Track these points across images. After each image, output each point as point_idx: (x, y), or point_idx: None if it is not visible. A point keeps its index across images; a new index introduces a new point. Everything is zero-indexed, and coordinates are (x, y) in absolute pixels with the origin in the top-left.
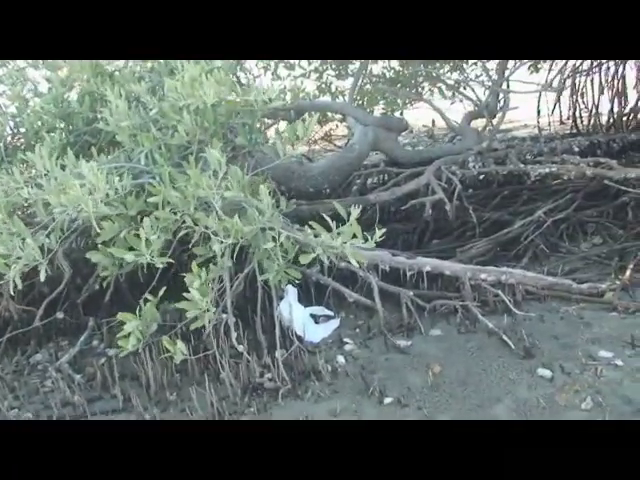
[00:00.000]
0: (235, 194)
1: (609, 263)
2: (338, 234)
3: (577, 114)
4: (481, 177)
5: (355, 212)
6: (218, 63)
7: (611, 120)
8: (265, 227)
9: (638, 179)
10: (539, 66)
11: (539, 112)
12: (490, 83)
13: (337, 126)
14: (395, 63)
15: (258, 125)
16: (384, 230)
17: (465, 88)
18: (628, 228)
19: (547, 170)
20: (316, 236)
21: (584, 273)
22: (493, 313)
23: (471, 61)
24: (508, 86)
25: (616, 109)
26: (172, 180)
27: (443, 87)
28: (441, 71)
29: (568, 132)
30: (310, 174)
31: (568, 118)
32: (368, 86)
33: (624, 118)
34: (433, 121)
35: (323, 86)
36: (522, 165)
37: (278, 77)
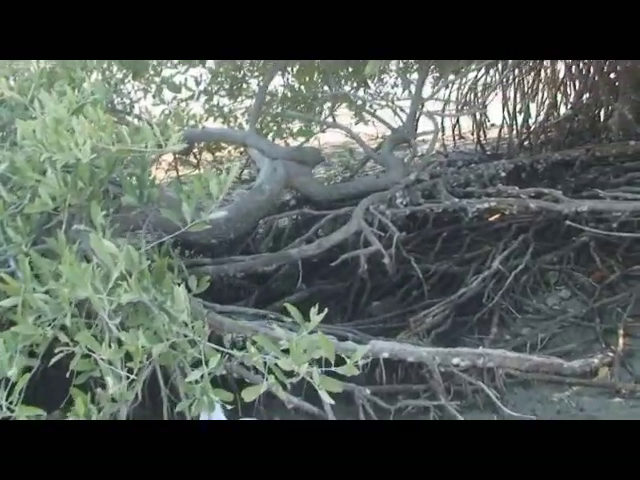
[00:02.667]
0: (135, 295)
1: (589, 325)
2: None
3: (481, 128)
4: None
5: (315, 317)
6: (92, 93)
7: (523, 136)
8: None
9: (591, 212)
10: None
11: (443, 129)
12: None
13: (230, 153)
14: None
15: (150, 176)
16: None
17: (373, 107)
18: (596, 275)
19: (486, 205)
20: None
21: (565, 341)
22: (472, 409)
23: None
24: (423, 105)
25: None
26: (35, 269)
27: (354, 108)
28: (346, 88)
29: (472, 147)
30: (213, 222)
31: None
32: (274, 109)
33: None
34: (350, 150)
35: (214, 109)
36: (457, 199)
37: (162, 101)
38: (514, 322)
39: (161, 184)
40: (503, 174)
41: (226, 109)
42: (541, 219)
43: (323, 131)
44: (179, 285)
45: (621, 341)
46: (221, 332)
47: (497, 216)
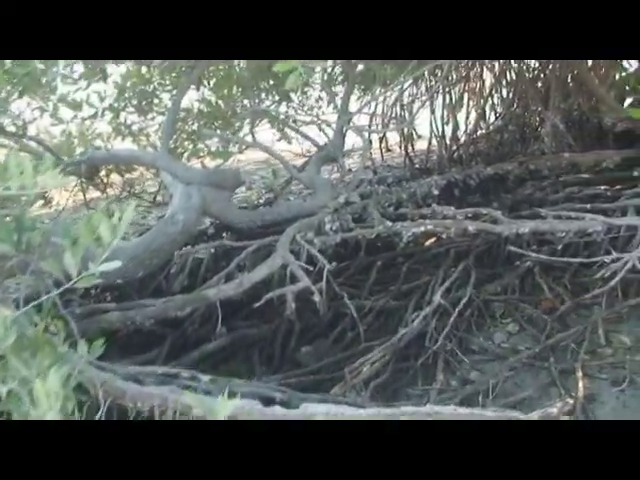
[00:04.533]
0: None
1: (543, 365)
2: None
3: (408, 141)
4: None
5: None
6: None
7: (452, 148)
8: None
9: (533, 234)
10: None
11: (371, 142)
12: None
13: (142, 174)
14: (211, 94)
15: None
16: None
17: (297, 123)
18: (544, 306)
19: (422, 229)
20: None
21: (518, 385)
22: None
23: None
24: (351, 120)
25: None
26: None
27: (276, 124)
28: (267, 102)
29: (400, 161)
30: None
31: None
32: (190, 125)
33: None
34: (274, 171)
35: (122, 127)
36: (390, 223)
37: (60, 120)
38: (460, 365)
39: (53, 222)
40: (436, 192)
41: (135, 127)
42: (480, 242)
43: (241, 152)
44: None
45: (580, 385)
46: (123, 401)
47: (433, 240)
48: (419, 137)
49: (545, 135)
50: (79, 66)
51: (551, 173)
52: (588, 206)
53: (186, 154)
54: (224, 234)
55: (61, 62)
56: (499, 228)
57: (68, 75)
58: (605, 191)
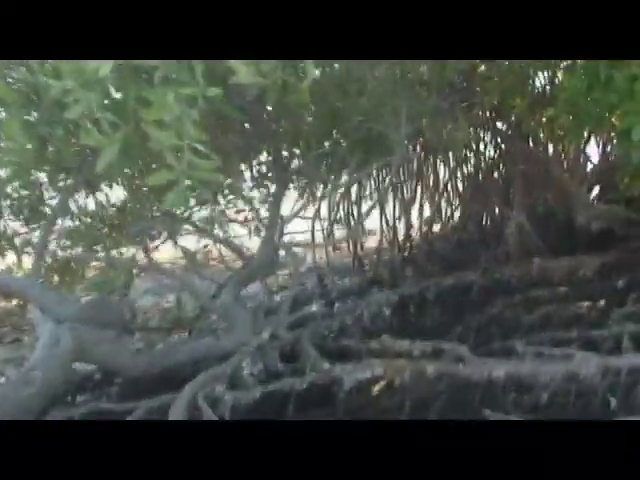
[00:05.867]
0: None
1: None
2: None
3: (357, 240)
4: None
5: None
6: None
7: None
8: None
9: (512, 379)
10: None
11: (313, 237)
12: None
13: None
14: (119, 197)
15: None
16: None
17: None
18: None
19: (368, 374)
20: None
21: None
22: None
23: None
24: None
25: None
26: None
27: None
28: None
29: (349, 261)
30: None
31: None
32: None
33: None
34: (179, 300)
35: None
36: (327, 365)
37: None
38: None
39: None
40: (387, 312)
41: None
42: (443, 388)
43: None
44: None
45: None
46: None
47: (383, 385)
48: (369, 233)
49: (509, 236)
50: None
51: (520, 283)
52: (574, 334)
53: (67, 278)
54: (110, 387)
55: None
56: (467, 370)
57: None
58: (588, 310)
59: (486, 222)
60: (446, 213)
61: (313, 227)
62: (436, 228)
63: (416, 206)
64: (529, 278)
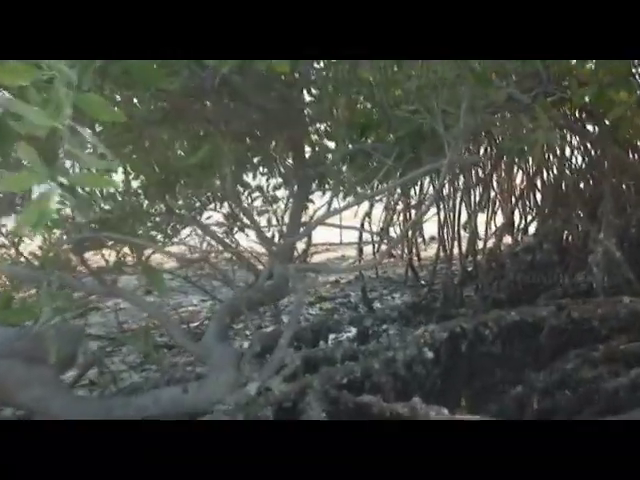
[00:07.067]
0: None
1: None
2: None
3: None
4: None
5: None
6: None
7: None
8: None
9: None
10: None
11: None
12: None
13: None
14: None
15: None
16: None
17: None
18: None
19: None
20: None
21: None
22: None
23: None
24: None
25: None
26: None
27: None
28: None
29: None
30: None
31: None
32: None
33: None
34: (147, 330)
35: None
36: None
37: None
38: None
39: None
40: (430, 354)
41: None
42: None
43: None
44: None
45: None
46: None
47: None
48: (431, 239)
49: (594, 264)
50: None
51: (602, 326)
52: None
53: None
54: None
55: None
56: None
57: None
58: None
59: (566, 242)
60: (519, 227)
61: (361, 234)
62: (506, 241)
63: (484, 215)
64: (615, 320)
